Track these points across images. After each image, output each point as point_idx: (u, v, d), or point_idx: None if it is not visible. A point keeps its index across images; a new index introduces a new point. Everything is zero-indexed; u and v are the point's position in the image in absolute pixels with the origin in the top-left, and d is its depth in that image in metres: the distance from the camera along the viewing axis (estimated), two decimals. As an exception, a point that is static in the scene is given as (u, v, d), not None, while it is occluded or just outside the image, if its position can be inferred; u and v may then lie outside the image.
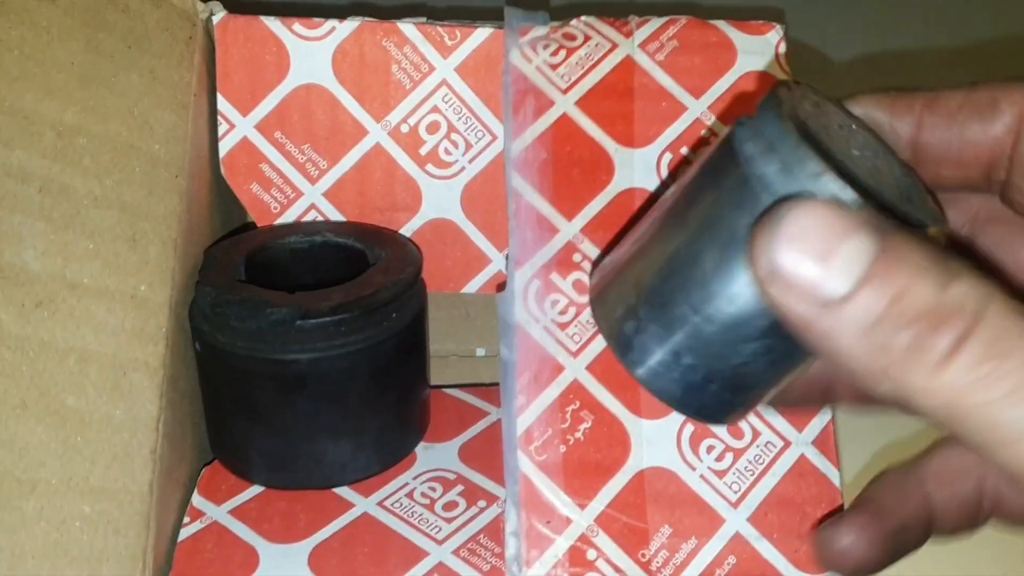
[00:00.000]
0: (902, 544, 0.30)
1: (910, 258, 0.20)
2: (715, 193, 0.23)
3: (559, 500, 0.37)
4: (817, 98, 0.25)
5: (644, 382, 0.25)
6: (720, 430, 0.39)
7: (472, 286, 0.48)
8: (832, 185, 0.21)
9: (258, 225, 0.47)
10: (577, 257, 0.40)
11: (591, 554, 0.36)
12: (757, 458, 0.38)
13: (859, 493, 0.31)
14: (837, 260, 0.20)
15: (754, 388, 0.25)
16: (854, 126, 0.26)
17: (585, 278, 0.40)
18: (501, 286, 0.41)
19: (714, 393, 0.25)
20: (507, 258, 0.42)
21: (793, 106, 0.23)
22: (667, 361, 0.25)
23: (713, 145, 0.25)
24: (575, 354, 0.39)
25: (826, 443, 0.38)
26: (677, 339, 0.24)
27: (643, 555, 0.37)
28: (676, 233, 0.24)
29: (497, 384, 0.50)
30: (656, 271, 0.24)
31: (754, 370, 0.24)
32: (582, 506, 0.37)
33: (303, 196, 0.46)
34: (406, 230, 0.47)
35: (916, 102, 0.27)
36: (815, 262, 0.20)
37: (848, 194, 0.21)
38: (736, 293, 0.23)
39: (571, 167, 0.41)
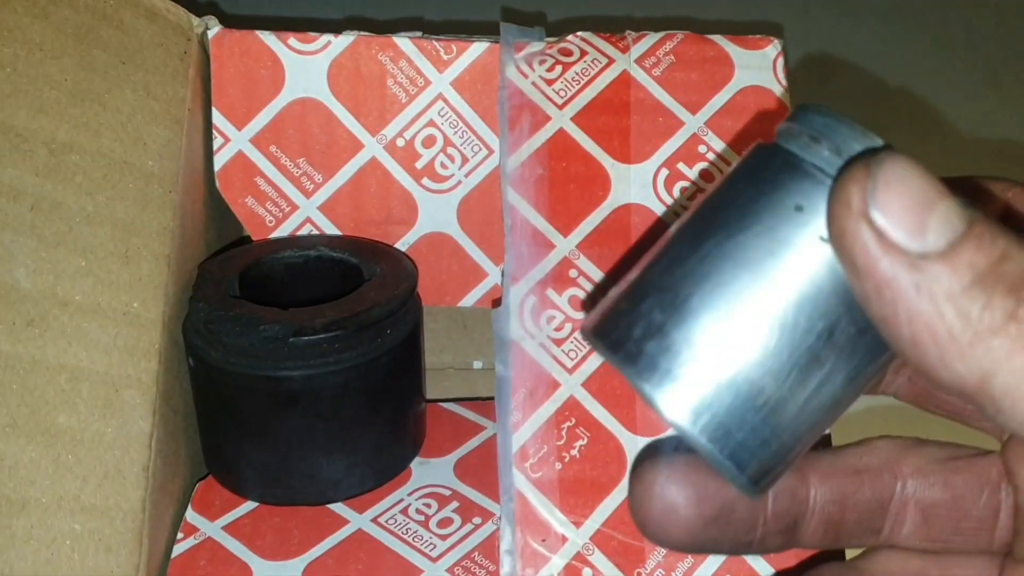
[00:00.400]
0: None
1: (1005, 230, 0.19)
2: (755, 196, 0.22)
3: (554, 518, 0.37)
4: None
5: (661, 401, 0.22)
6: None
7: (469, 299, 0.48)
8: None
9: (253, 239, 0.46)
10: (573, 273, 0.40)
11: (586, 573, 0.36)
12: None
13: None
14: (936, 214, 0.19)
15: (792, 421, 0.22)
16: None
17: (581, 294, 0.40)
18: (497, 301, 0.41)
19: (744, 419, 0.22)
20: (503, 273, 0.42)
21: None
22: (697, 377, 0.22)
23: (728, 171, 0.24)
24: (571, 371, 0.39)
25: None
26: (710, 348, 0.22)
27: (639, 574, 0.36)
28: (704, 243, 0.22)
29: (494, 398, 0.50)
30: (684, 279, 0.22)
31: (799, 391, 0.22)
32: (577, 524, 0.37)
33: (298, 210, 0.46)
34: (402, 244, 0.47)
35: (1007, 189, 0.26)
36: (913, 212, 0.19)
37: None
38: (788, 282, 0.21)
39: (567, 183, 0.41)
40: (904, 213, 0.19)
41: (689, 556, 0.36)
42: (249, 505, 0.41)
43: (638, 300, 0.23)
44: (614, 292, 0.24)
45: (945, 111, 0.73)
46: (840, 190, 0.20)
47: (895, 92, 0.74)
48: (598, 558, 0.37)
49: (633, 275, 0.24)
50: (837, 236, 0.20)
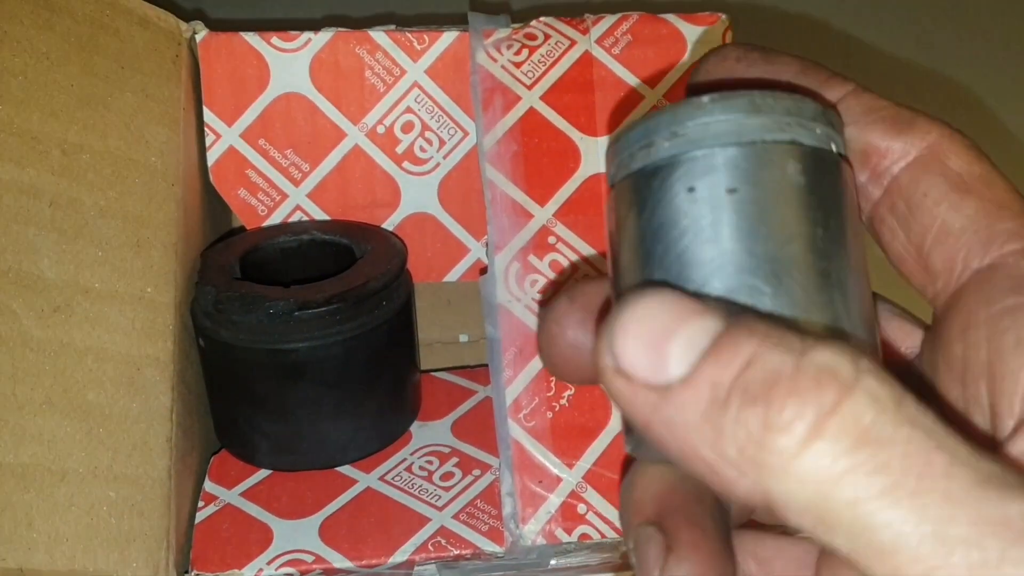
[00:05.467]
0: None
1: (760, 328, 0.18)
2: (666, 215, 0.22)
3: (549, 461, 0.40)
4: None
5: None
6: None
7: (453, 274, 0.51)
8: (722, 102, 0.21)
9: (247, 228, 0.49)
10: (552, 240, 0.43)
11: (581, 508, 0.40)
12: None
13: None
14: (676, 341, 0.18)
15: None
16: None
17: (561, 258, 0.43)
18: (483, 271, 0.44)
19: None
20: (486, 245, 0.45)
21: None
22: None
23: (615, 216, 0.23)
24: (554, 328, 0.42)
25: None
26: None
27: (628, 506, 0.40)
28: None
29: (482, 366, 0.53)
30: None
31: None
32: (570, 466, 0.40)
33: (288, 198, 0.49)
34: (387, 225, 0.50)
35: (848, 86, 0.25)
36: (651, 346, 0.18)
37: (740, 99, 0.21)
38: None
39: (540, 157, 0.45)
40: (643, 351, 0.18)
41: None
42: (263, 473, 0.44)
43: None
44: None
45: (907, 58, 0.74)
46: (593, 351, 0.19)
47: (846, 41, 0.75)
48: (591, 495, 0.40)
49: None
50: (609, 395, 0.20)
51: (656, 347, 0.18)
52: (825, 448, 0.16)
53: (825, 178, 0.22)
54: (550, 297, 0.27)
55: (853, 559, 0.17)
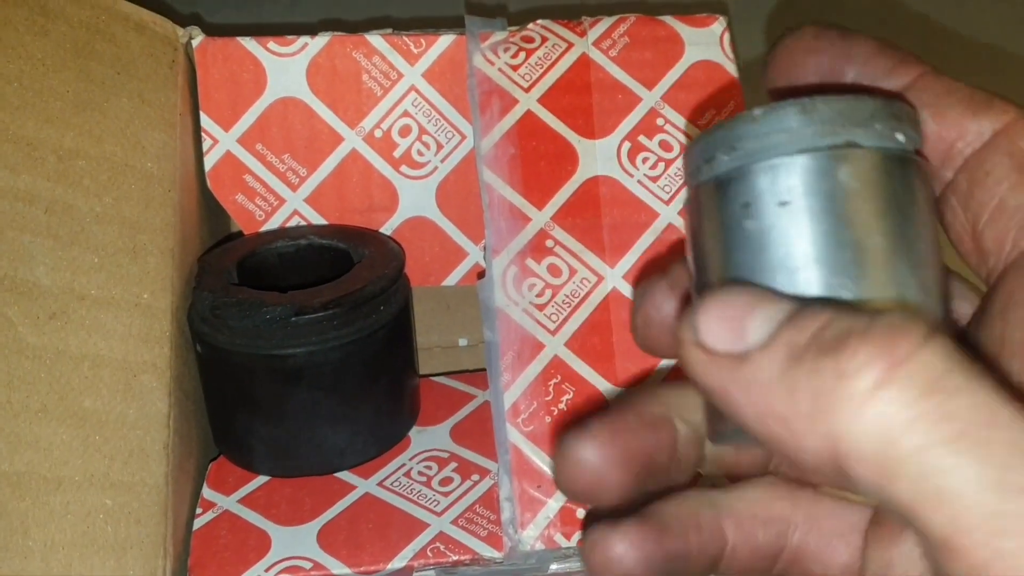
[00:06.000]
0: (679, 573, 0.26)
1: (831, 308, 0.19)
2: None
3: (548, 466, 0.40)
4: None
5: None
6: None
7: (452, 278, 0.51)
8: (795, 107, 0.22)
9: (245, 233, 0.49)
10: (549, 243, 0.43)
11: (580, 513, 0.39)
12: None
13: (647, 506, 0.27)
14: (754, 317, 0.20)
15: None
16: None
17: (559, 262, 0.43)
18: (481, 274, 0.44)
19: None
20: (484, 249, 0.45)
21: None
22: None
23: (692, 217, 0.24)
24: (553, 332, 0.42)
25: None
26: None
27: (628, 511, 0.40)
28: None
29: (481, 370, 0.53)
30: None
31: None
32: (569, 470, 0.40)
33: (286, 203, 0.49)
34: (385, 229, 0.50)
35: (921, 68, 0.24)
36: (730, 321, 0.20)
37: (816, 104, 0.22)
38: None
39: (538, 160, 0.44)
40: (723, 324, 0.20)
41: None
42: (261, 479, 0.44)
43: None
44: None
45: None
46: (676, 331, 0.21)
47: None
48: (590, 499, 0.40)
49: None
50: (687, 371, 0.21)
51: (735, 322, 0.20)
52: (894, 396, 0.17)
53: (883, 177, 0.22)
54: (643, 278, 0.29)
55: (911, 509, 0.17)
